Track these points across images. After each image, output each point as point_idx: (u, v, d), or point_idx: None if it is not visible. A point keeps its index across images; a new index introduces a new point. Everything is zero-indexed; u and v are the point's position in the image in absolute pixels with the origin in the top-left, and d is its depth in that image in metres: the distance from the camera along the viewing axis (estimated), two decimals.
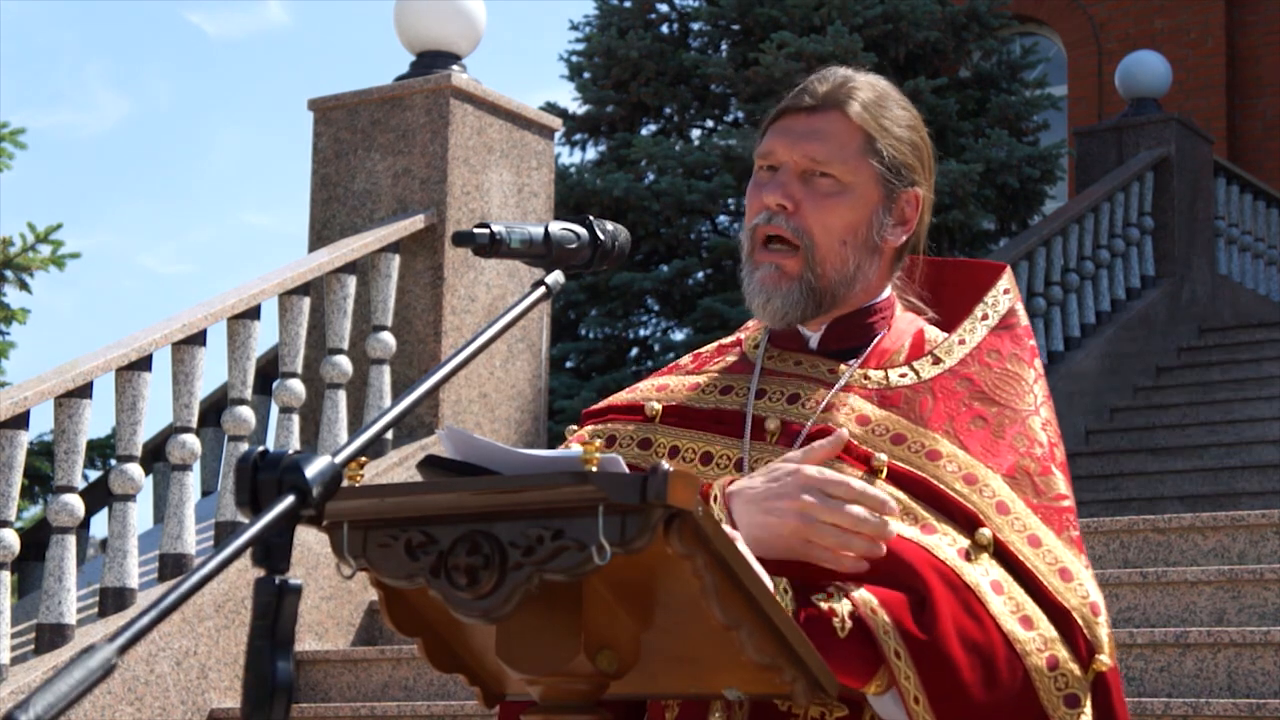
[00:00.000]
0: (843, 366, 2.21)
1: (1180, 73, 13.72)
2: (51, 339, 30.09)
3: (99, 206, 33.51)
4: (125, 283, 34.92)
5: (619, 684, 1.80)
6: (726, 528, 1.77)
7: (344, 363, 7.06)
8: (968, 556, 2.03)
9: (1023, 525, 2.08)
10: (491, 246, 1.94)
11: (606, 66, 11.64)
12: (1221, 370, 10.33)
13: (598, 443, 1.70)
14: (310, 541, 6.63)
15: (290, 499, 1.52)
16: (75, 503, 6.08)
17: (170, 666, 6.25)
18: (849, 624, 1.95)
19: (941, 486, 2.08)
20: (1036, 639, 2.00)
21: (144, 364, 6.28)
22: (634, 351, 11.49)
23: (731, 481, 2.09)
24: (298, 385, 6.90)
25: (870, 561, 2.01)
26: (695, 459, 2.20)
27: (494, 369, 7.51)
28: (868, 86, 2.24)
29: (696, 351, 2.37)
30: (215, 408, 7.77)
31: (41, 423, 35.47)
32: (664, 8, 11.96)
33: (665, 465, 1.65)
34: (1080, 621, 2.03)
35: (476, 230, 1.94)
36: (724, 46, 11.80)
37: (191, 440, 6.45)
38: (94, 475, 8.91)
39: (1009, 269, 2.33)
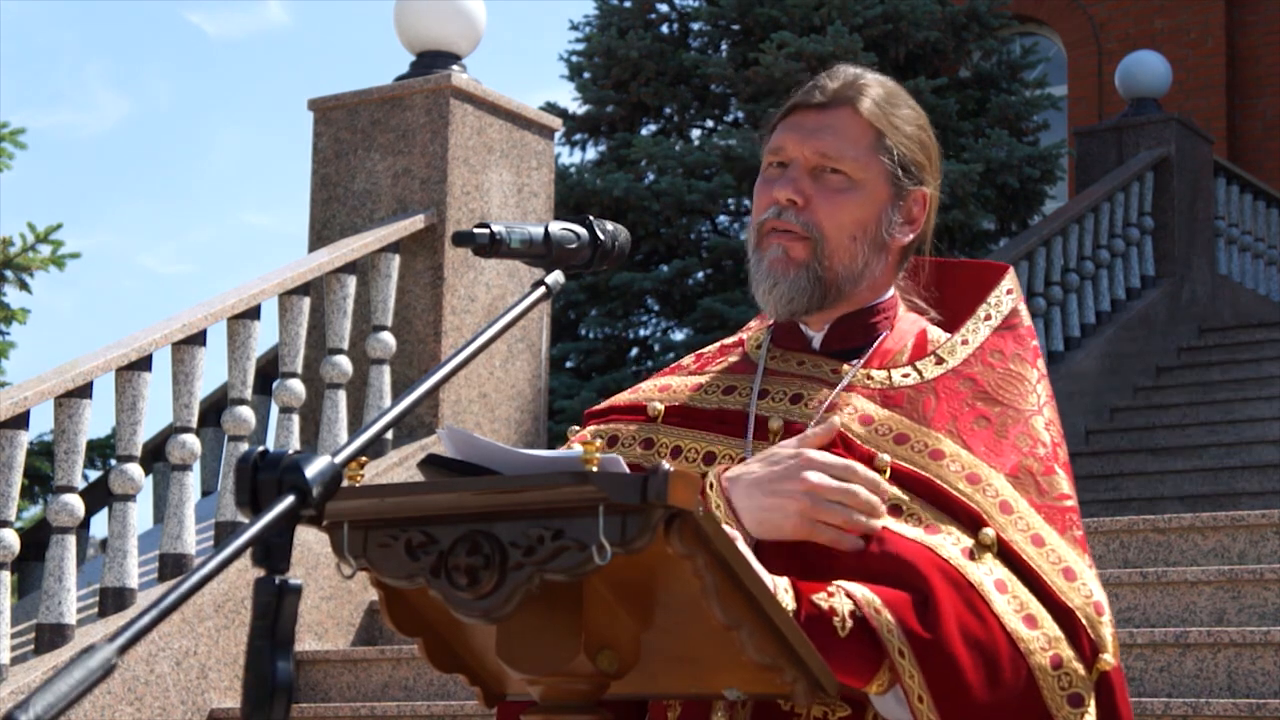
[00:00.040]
0: (845, 366, 2.21)
1: (1180, 73, 13.72)
2: (51, 339, 30.10)
3: (99, 206, 33.52)
4: (125, 283, 34.93)
5: (619, 684, 1.80)
6: (727, 528, 1.77)
7: (344, 363, 7.06)
8: (971, 556, 2.03)
9: (1026, 525, 2.08)
10: (491, 246, 1.94)
11: (606, 66, 11.64)
12: (1221, 370, 10.33)
13: (599, 443, 1.70)
14: (310, 541, 6.63)
15: (290, 499, 1.51)
16: (75, 503, 6.08)
17: (170, 666, 6.25)
18: (850, 623, 1.95)
19: (945, 486, 2.08)
20: (1040, 638, 2.00)
21: (144, 364, 6.28)
22: (634, 351, 11.49)
23: (727, 469, 2.09)
24: (298, 385, 6.90)
25: (874, 561, 2.01)
26: (698, 459, 2.20)
27: (494, 369, 7.51)
28: (878, 84, 2.24)
29: (699, 352, 2.37)
30: (215, 408, 7.77)
31: (41, 423, 35.47)
32: (664, 8, 11.97)
33: (666, 465, 1.65)
34: (1084, 621, 2.03)
35: (476, 230, 1.94)
36: (724, 46, 11.80)
37: (191, 440, 6.45)
38: (94, 475, 8.91)
39: (1012, 269, 2.33)
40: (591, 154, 12.04)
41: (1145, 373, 10.36)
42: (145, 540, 7.01)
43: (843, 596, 1.97)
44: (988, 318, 2.26)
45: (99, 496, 7.39)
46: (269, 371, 7.71)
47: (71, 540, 6.05)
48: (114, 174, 34.74)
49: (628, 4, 11.93)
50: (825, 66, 2.32)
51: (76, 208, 31.95)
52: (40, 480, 9.92)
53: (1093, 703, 2.00)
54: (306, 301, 6.99)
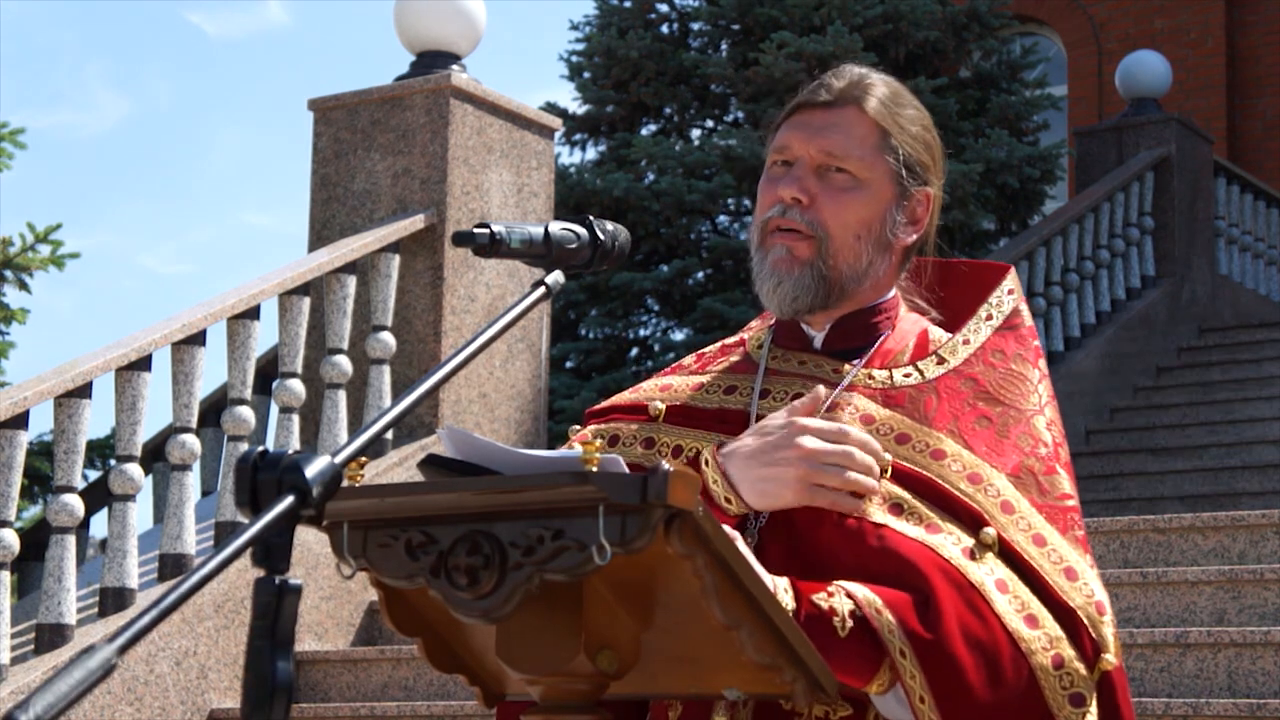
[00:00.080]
0: (847, 366, 2.21)
1: (1180, 73, 13.72)
2: (51, 339, 30.10)
3: (99, 206, 33.52)
4: (125, 283, 34.93)
5: (619, 684, 1.80)
6: (727, 528, 1.77)
7: (344, 363, 7.06)
8: (972, 555, 2.03)
9: (1027, 524, 2.08)
10: (491, 246, 1.94)
11: (606, 66, 11.64)
12: (1221, 370, 10.33)
13: (599, 442, 1.70)
14: (310, 541, 6.63)
15: (290, 499, 1.51)
16: (75, 503, 6.08)
17: (170, 666, 6.25)
18: (849, 623, 1.95)
19: (946, 486, 2.08)
20: (1041, 638, 2.00)
21: (144, 364, 6.28)
22: (634, 351, 11.49)
23: (721, 445, 2.09)
24: (298, 385, 6.90)
25: (874, 561, 2.01)
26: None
27: (494, 369, 7.51)
28: (883, 84, 2.24)
29: (700, 351, 2.37)
30: (215, 408, 7.77)
31: (41, 423, 35.48)
32: (664, 8, 11.97)
33: (665, 465, 1.65)
34: (1085, 620, 2.03)
35: (476, 230, 1.93)
36: (724, 46, 11.80)
37: (191, 440, 6.44)
38: (94, 475, 8.91)
39: (1013, 269, 2.33)
40: (591, 154, 12.05)
41: (1145, 373, 10.36)
42: (145, 540, 7.01)
43: (843, 596, 1.97)
44: (989, 318, 2.26)
45: (99, 496, 7.39)
46: (269, 371, 7.71)
47: (71, 540, 6.05)
48: (114, 174, 34.75)
49: (628, 4, 11.93)
50: (825, 66, 2.33)
51: (76, 208, 31.96)
52: (40, 480, 9.92)
53: (1094, 702, 2.00)
54: (306, 301, 6.99)
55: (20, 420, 5.91)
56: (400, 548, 1.76)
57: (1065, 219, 9.93)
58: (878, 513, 2.06)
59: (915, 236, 2.25)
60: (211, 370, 21.70)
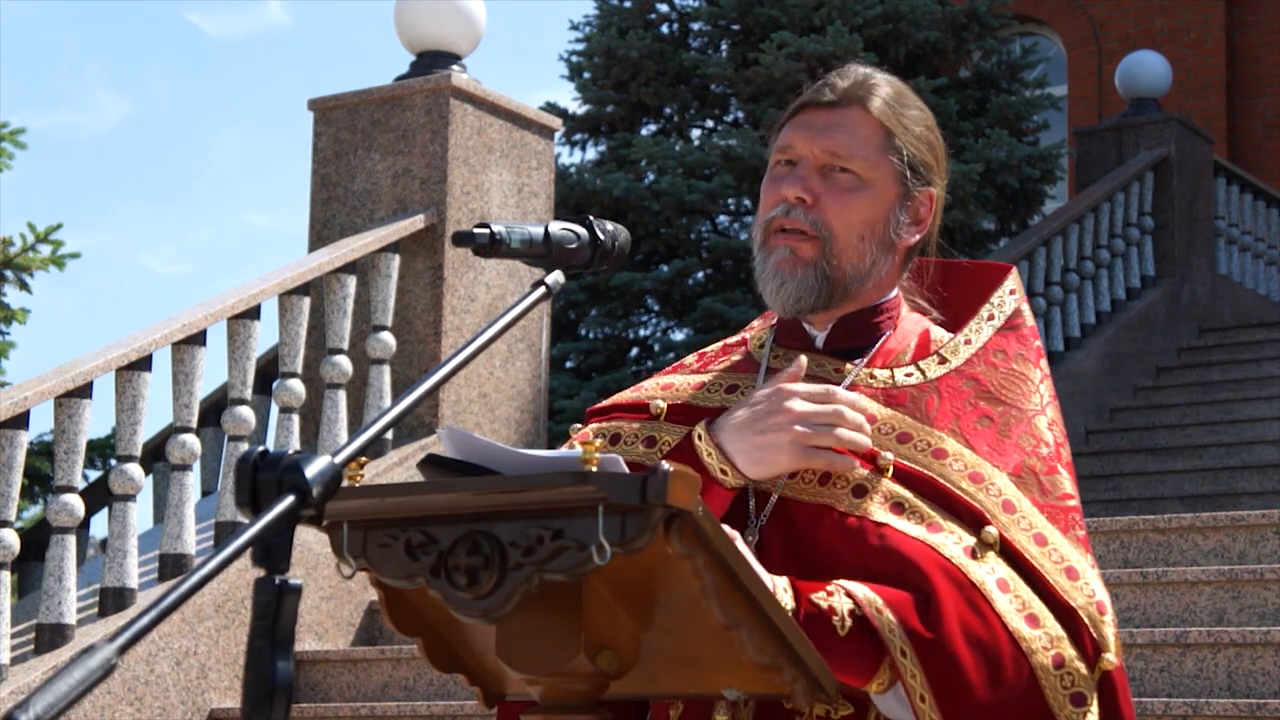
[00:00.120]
0: (849, 366, 2.21)
1: (1180, 73, 13.72)
2: (51, 339, 30.09)
3: (99, 206, 33.51)
4: (125, 283, 34.93)
5: (619, 684, 1.80)
6: (726, 528, 1.77)
7: (344, 363, 7.06)
8: (974, 555, 2.03)
9: (1029, 524, 2.08)
10: (491, 246, 1.94)
11: (606, 66, 11.64)
12: (1221, 370, 10.33)
13: (599, 442, 1.70)
14: (310, 541, 6.63)
15: (290, 499, 1.51)
16: (75, 503, 6.08)
17: (170, 666, 6.25)
18: (849, 622, 1.95)
19: (947, 485, 2.08)
20: (1042, 637, 2.00)
21: (144, 364, 6.28)
22: (634, 351, 11.49)
23: (711, 421, 2.10)
24: (298, 385, 6.90)
25: (875, 560, 2.01)
26: None
27: (494, 369, 7.51)
28: (887, 84, 2.25)
29: (701, 351, 2.37)
30: (215, 408, 7.77)
31: (41, 423, 35.48)
32: (664, 8, 11.96)
33: (665, 465, 1.65)
34: (1086, 620, 2.03)
35: (476, 230, 1.94)
36: (724, 46, 11.80)
37: (191, 440, 6.44)
38: (94, 475, 8.91)
39: (1015, 270, 2.33)
40: (591, 154, 12.05)
41: (1145, 373, 10.36)
42: (145, 540, 7.01)
43: (842, 596, 1.97)
44: (991, 318, 2.26)
45: (99, 496, 7.39)
46: (269, 371, 7.71)
47: (71, 540, 6.05)
48: (114, 174, 34.75)
49: (628, 4, 11.93)
50: (825, 66, 2.33)
51: (76, 208, 31.96)
52: (40, 480, 9.92)
53: (1095, 702, 2.01)
54: (306, 301, 6.99)
55: (20, 420, 5.91)
56: (400, 548, 1.76)
57: (1065, 219, 9.93)
58: (879, 511, 2.06)
59: (918, 237, 2.25)
60: (211, 370, 21.71)
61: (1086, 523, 6.47)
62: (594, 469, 1.64)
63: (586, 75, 11.83)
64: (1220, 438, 9.36)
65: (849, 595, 1.97)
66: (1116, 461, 9.39)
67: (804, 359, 2.15)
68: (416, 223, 7.36)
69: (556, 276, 1.96)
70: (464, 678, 1.94)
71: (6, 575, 5.88)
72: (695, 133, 11.95)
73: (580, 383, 10.77)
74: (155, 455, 7.73)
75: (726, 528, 1.77)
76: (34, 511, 10.57)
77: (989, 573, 2.02)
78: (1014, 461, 2.12)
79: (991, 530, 2.05)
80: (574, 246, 1.99)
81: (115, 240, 34.16)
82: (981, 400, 2.17)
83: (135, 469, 6.29)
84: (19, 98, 30.17)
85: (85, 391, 6.06)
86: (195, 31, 33.80)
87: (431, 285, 7.40)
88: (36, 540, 7.17)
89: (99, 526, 8.17)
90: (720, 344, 2.37)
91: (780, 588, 1.94)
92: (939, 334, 2.27)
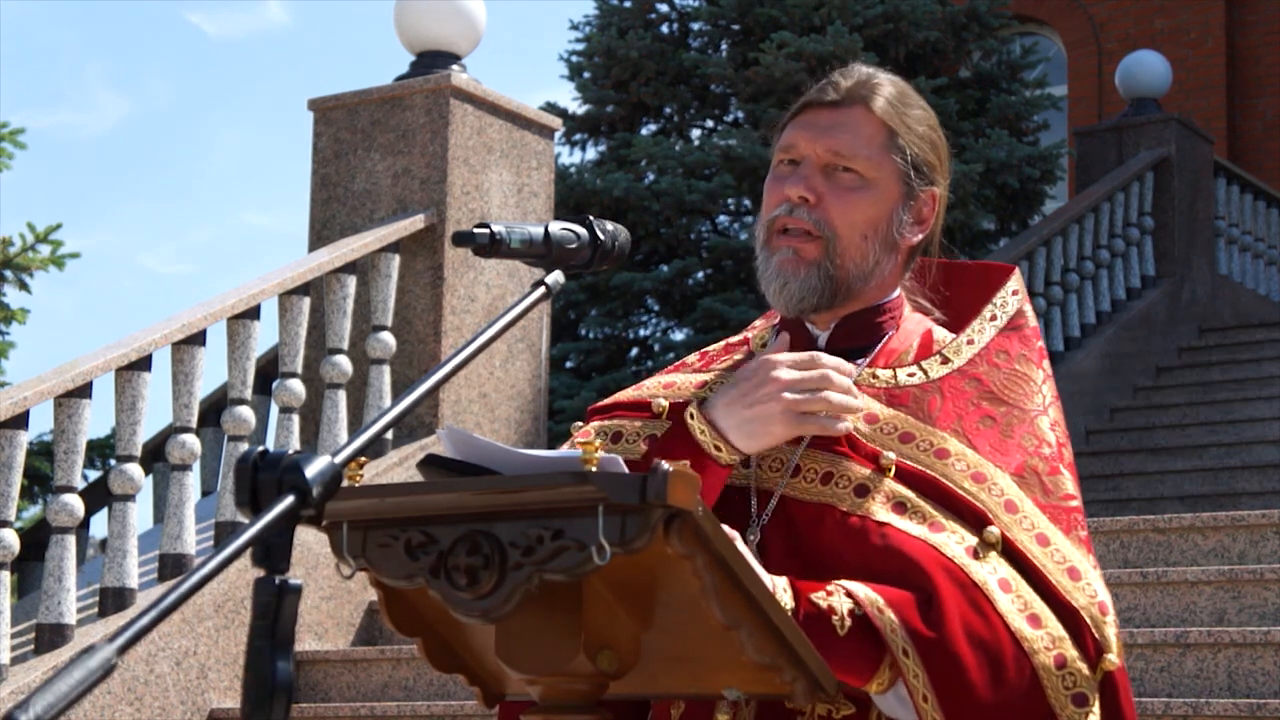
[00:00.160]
0: (851, 366, 2.21)
1: (1180, 73, 13.72)
2: (51, 339, 30.09)
3: (99, 206, 33.51)
4: (125, 283, 34.92)
5: (619, 684, 1.80)
6: (726, 528, 1.77)
7: (344, 363, 7.06)
8: (976, 555, 2.03)
9: (1031, 524, 2.08)
10: (491, 246, 1.94)
11: (606, 66, 11.63)
12: (1221, 370, 10.33)
13: (599, 442, 1.70)
14: (310, 541, 6.63)
15: (290, 499, 1.51)
16: (75, 503, 6.08)
17: (170, 666, 6.25)
18: (849, 622, 1.95)
19: (950, 484, 2.08)
20: (1044, 637, 2.00)
21: (144, 364, 6.28)
22: (634, 351, 11.48)
23: (702, 401, 2.12)
24: (298, 385, 6.90)
25: (877, 559, 2.01)
26: None
27: (494, 369, 7.51)
28: (890, 84, 2.25)
29: (704, 350, 2.38)
30: (215, 408, 7.77)
31: (41, 423, 35.49)
32: (664, 8, 11.96)
33: (665, 465, 1.65)
34: (1088, 621, 2.03)
35: (476, 230, 1.93)
36: (724, 46, 11.80)
37: (191, 440, 6.44)
38: (94, 475, 8.91)
39: (1017, 270, 2.33)
40: (591, 154, 12.05)
41: (1145, 373, 10.36)
42: (145, 540, 7.01)
43: (842, 595, 1.96)
44: (993, 318, 2.26)
45: (99, 496, 7.39)
46: (269, 371, 7.71)
47: (71, 540, 6.05)
48: (114, 174, 34.75)
49: (628, 4, 11.93)
50: (825, 66, 2.33)
51: (76, 208, 31.95)
52: (40, 480, 9.92)
53: (1097, 703, 2.01)
54: (306, 301, 6.99)
55: (20, 420, 5.91)
56: (400, 548, 1.76)
57: (1065, 219, 9.93)
58: (881, 511, 2.06)
59: (921, 236, 2.25)
60: (211, 370, 21.70)
61: (1087, 523, 6.47)
62: (594, 469, 1.64)
63: (586, 75, 11.83)
64: (1220, 438, 9.36)
65: (849, 595, 1.97)
66: (1116, 461, 9.39)
67: (786, 336, 2.19)
68: (416, 223, 7.36)
69: (556, 276, 1.96)
70: (464, 678, 1.94)
71: (6, 575, 5.88)
72: (695, 133, 11.95)
73: (580, 383, 10.77)
74: (155, 455, 7.73)
75: (726, 528, 1.77)
76: (34, 511, 10.57)
77: (991, 573, 2.02)
78: (1016, 462, 2.12)
79: (994, 530, 2.05)
80: (574, 246, 1.99)
81: (115, 240, 34.17)
82: (984, 400, 2.17)
83: (135, 469, 6.29)
84: (19, 98, 30.18)
85: (85, 391, 6.06)
86: (195, 31, 33.80)
87: (431, 285, 7.40)
88: (36, 540, 7.17)
89: (99, 526, 8.18)
90: (723, 343, 2.37)
91: (780, 587, 1.94)
92: (941, 334, 2.27)
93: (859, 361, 2.22)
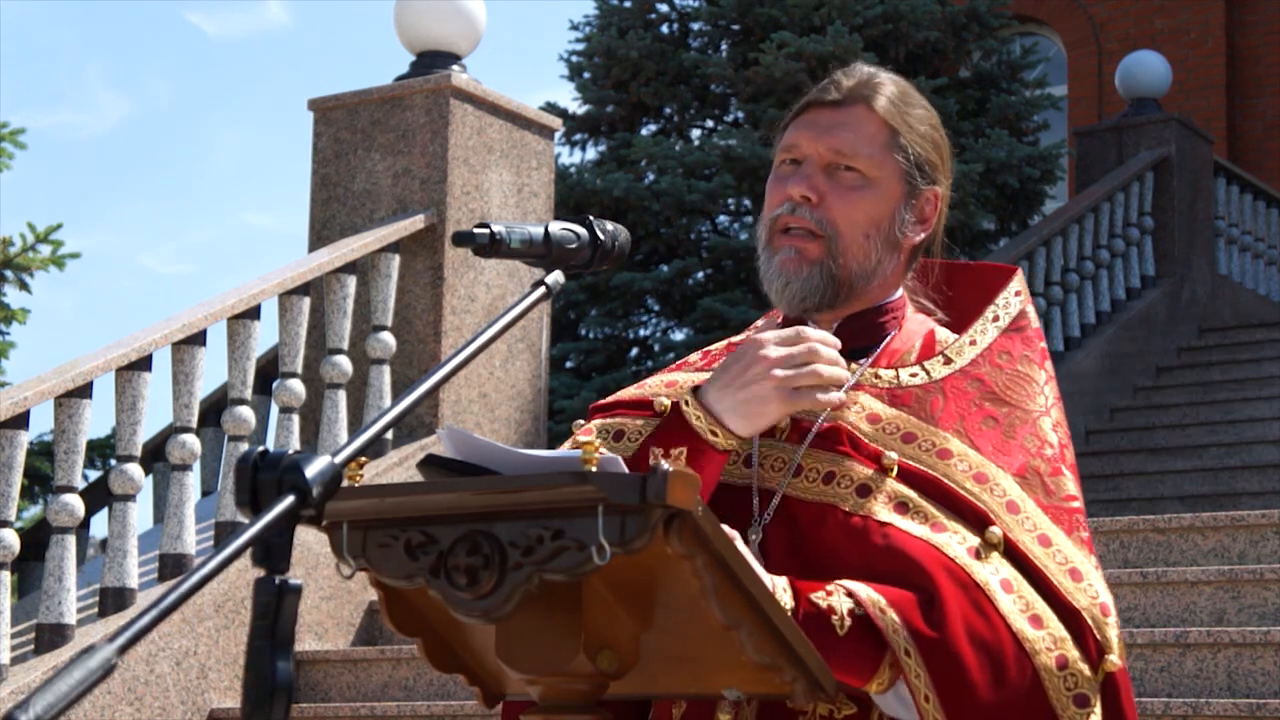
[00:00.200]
0: (853, 365, 2.21)
1: (1180, 73, 13.72)
2: (51, 339, 30.09)
3: (99, 206, 33.51)
4: (125, 283, 34.92)
5: (619, 684, 1.80)
6: (726, 528, 1.77)
7: (344, 363, 7.06)
8: (978, 555, 2.03)
9: (1033, 525, 2.08)
10: (491, 246, 1.94)
11: (606, 66, 11.63)
12: (1221, 370, 10.33)
13: (599, 441, 1.70)
14: (310, 541, 6.63)
15: (290, 499, 1.51)
16: (75, 503, 6.08)
17: (170, 666, 6.25)
18: (848, 622, 1.94)
19: (952, 485, 2.08)
20: (1046, 638, 2.00)
21: (144, 364, 6.28)
22: (634, 351, 11.48)
23: (696, 389, 2.12)
24: (298, 385, 6.90)
25: (879, 559, 2.01)
26: None
27: (494, 369, 7.51)
28: (892, 83, 2.25)
29: (706, 349, 2.38)
30: (215, 408, 7.77)
31: (41, 423, 35.47)
32: (664, 8, 11.96)
33: (665, 465, 1.65)
34: (1090, 621, 2.03)
35: (476, 230, 1.93)
36: (724, 46, 11.80)
37: (191, 440, 6.44)
38: (94, 475, 8.91)
39: (1020, 271, 2.33)
40: (591, 154, 12.05)
41: (1145, 373, 10.36)
42: (145, 540, 7.01)
43: (841, 595, 1.96)
44: (996, 319, 2.26)
45: (99, 496, 7.39)
46: (269, 371, 7.71)
47: (71, 540, 6.05)
48: (114, 174, 34.75)
49: (628, 4, 11.93)
50: (825, 66, 2.34)
51: (76, 208, 31.95)
52: (40, 480, 9.92)
53: (1098, 703, 2.01)
54: (306, 301, 6.99)
55: (20, 420, 5.91)
56: (400, 548, 1.76)
57: (1065, 219, 9.93)
58: (883, 511, 2.06)
59: (923, 235, 2.25)
60: (211, 370, 21.70)
61: (1088, 523, 6.47)
62: (594, 469, 1.64)
63: (586, 75, 11.83)
64: (1220, 438, 9.35)
65: (850, 595, 1.97)
66: (1116, 461, 9.39)
67: (777, 316, 2.19)
68: (416, 223, 7.36)
69: (556, 276, 1.96)
70: (464, 678, 1.94)
71: (6, 575, 5.88)
72: (695, 133, 11.95)
73: (580, 383, 10.77)
74: (155, 455, 7.73)
75: (726, 528, 1.77)
76: (34, 511, 10.57)
77: (993, 573, 2.02)
78: (1018, 462, 2.12)
79: (995, 531, 2.05)
80: (574, 246, 1.99)
81: (115, 240, 34.17)
82: (986, 401, 2.17)
83: (135, 469, 6.29)
84: (19, 98, 30.18)
85: (85, 391, 6.06)
86: (195, 31, 33.80)
87: (431, 285, 7.40)
88: (36, 540, 7.17)
89: (99, 526, 8.18)
90: (725, 342, 2.37)
91: (779, 587, 1.94)
92: (944, 334, 2.27)
93: (861, 361, 2.22)
